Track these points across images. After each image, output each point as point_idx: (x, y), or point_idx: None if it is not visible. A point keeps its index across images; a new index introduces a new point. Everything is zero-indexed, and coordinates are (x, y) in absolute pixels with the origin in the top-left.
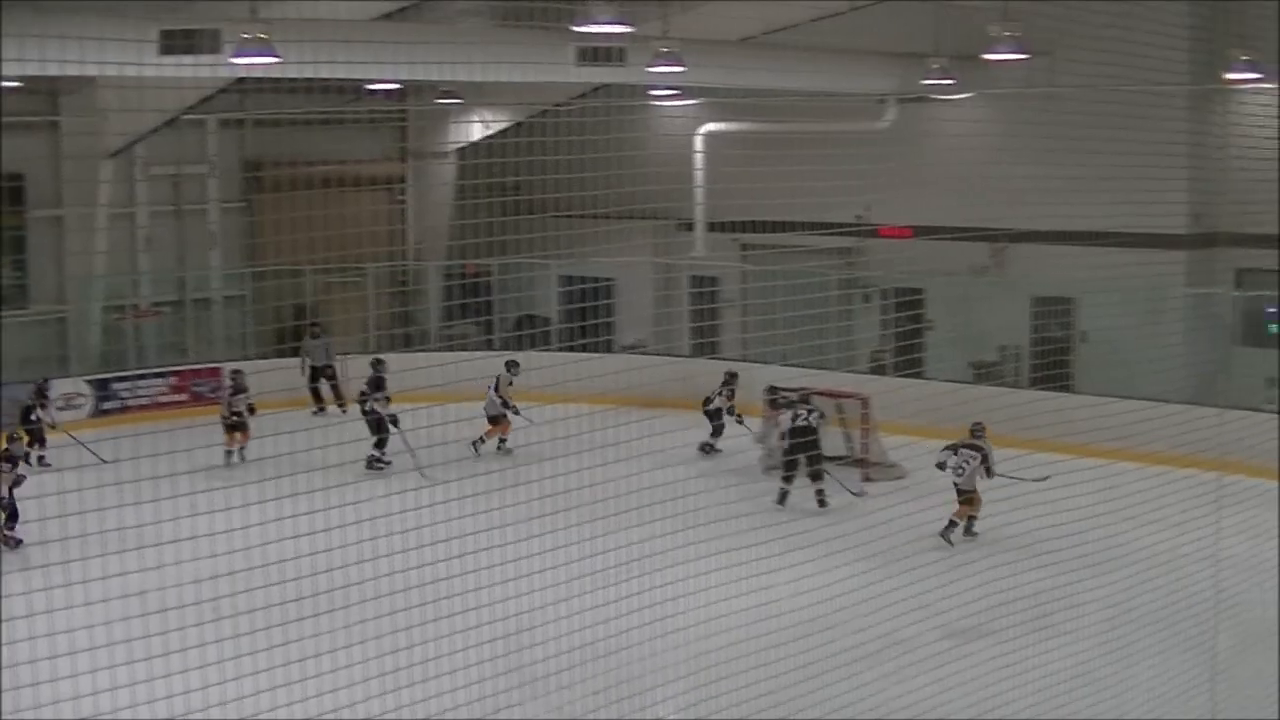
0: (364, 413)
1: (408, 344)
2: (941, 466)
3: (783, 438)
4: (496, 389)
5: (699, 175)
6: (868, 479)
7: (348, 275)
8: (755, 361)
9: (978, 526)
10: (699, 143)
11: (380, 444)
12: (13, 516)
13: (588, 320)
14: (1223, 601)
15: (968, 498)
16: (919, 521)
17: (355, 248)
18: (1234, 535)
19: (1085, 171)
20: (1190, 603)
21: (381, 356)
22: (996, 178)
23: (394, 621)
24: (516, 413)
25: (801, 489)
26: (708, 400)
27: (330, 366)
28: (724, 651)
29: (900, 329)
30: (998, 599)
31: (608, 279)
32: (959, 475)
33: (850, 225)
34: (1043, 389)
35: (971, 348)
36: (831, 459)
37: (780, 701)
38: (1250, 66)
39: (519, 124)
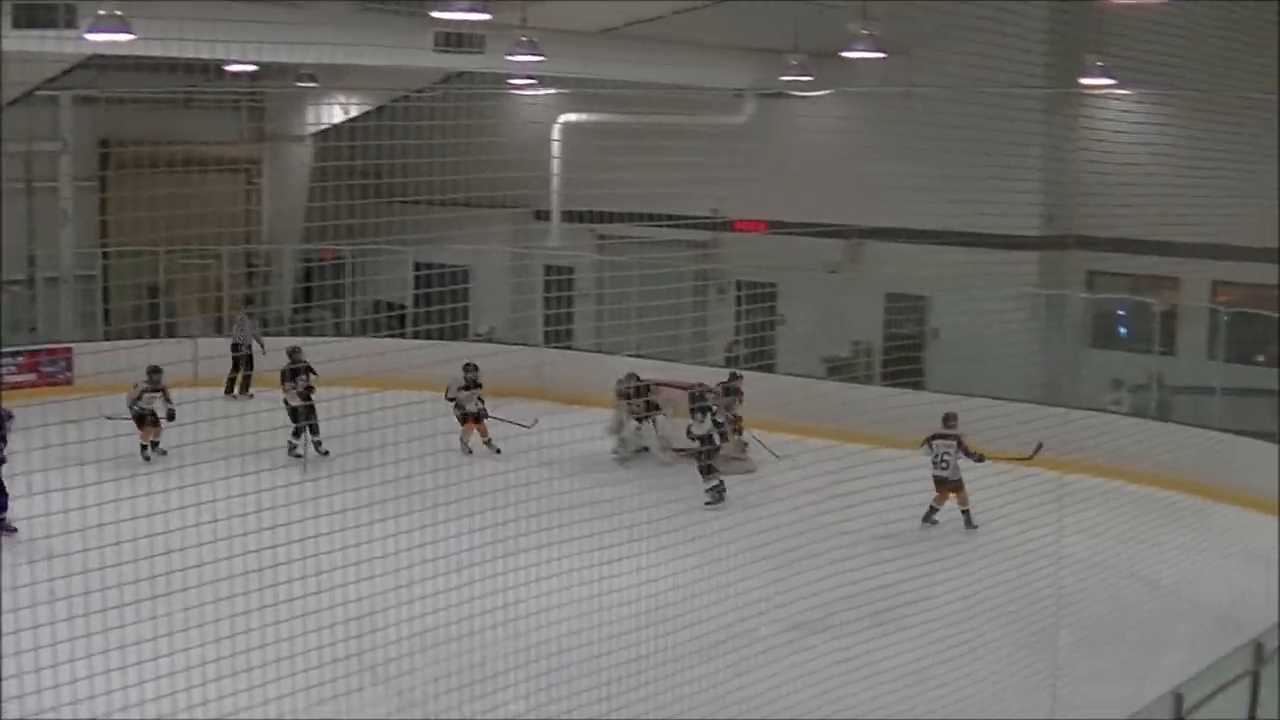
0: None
1: (263, 327)
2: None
3: (695, 438)
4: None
5: (556, 165)
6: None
7: (202, 257)
8: (608, 353)
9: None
10: (556, 132)
11: (296, 433)
12: None
13: (443, 307)
14: (1064, 599)
15: (954, 487)
16: (769, 514)
17: (209, 229)
18: (1075, 534)
19: (940, 171)
20: (1033, 599)
21: (297, 345)
22: (852, 174)
23: (232, 608)
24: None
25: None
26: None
27: (249, 349)
28: (561, 641)
29: (753, 322)
30: (844, 592)
31: (463, 266)
32: (943, 467)
33: (705, 218)
34: (894, 385)
35: (824, 343)
36: (680, 450)
37: (613, 694)
38: (1105, 72)
39: (378, 109)
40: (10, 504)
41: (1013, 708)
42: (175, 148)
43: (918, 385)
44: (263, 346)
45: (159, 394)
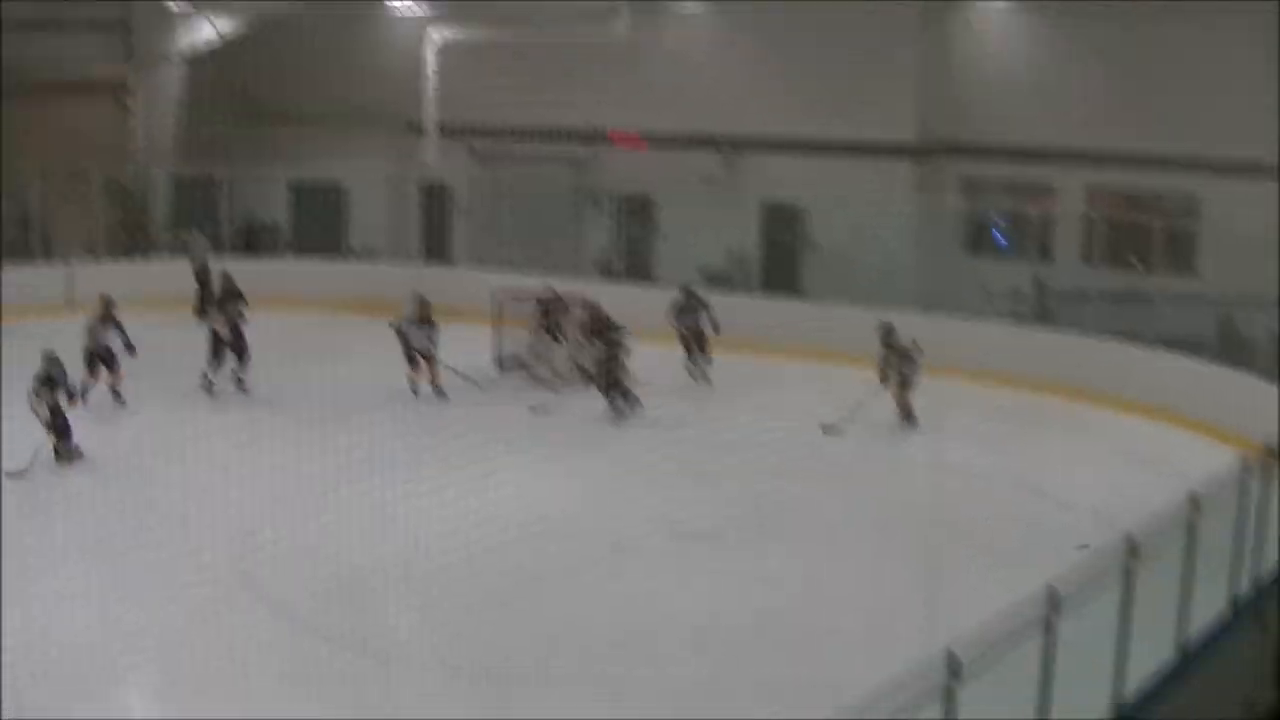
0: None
1: (133, 252)
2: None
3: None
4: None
5: (430, 81)
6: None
7: (72, 182)
8: (486, 270)
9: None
10: (430, 48)
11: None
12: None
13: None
14: (943, 505)
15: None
16: (662, 429)
17: (80, 154)
18: (953, 440)
19: (817, 81)
20: (912, 507)
21: (227, 270)
22: (728, 86)
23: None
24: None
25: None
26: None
27: (206, 269)
28: (448, 555)
29: (630, 235)
30: (732, 504)
31: (338, 184)
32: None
33: (583, 131)
34: (771, 296)
35: (701, 255)
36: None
37: (503, 602)
38: None
39: (250, 26)
40: None
41: (890, 619)
42: (43, 71)
43: (795, 295)
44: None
45: (112, 327)
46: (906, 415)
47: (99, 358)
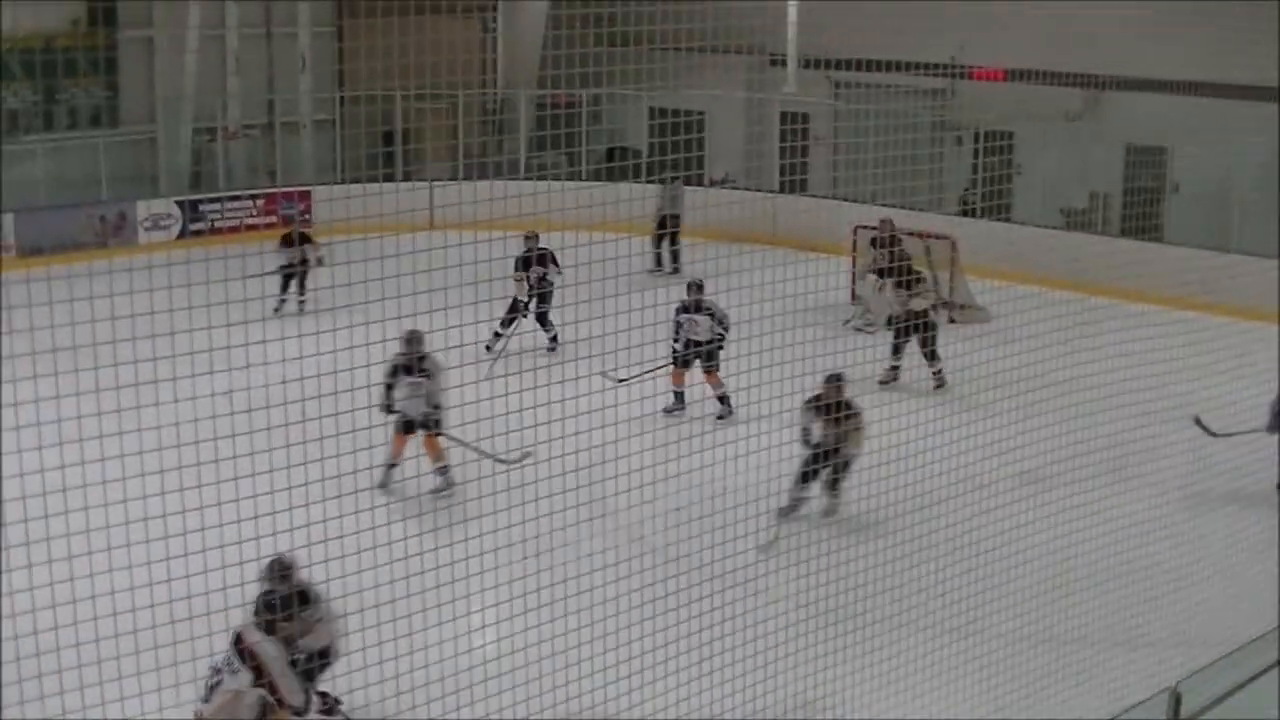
0: None
1: (497, 173)
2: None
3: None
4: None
5: (792, 10)
6: (952, 320)
7: (438, 102)
8: (845, 200)
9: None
10: None
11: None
12: None
13: (678, 153)
14: None
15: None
16: (1000, 368)
17: (444, 74)
18: None
19: (1188, 19)
20: (1263, 457)
21: None
22: (1094, 21)
23: None
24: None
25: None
26: None
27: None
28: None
29: (989, 173)
30: (1075, 448)
31: (699, 112)
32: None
33: (944, 66)
34: (1133, 239)
35: (1061, 194)
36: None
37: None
38: None
39: None
40: None
41: (1243, 565)
42: None
43: (1157, 240)
44: None
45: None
46: None
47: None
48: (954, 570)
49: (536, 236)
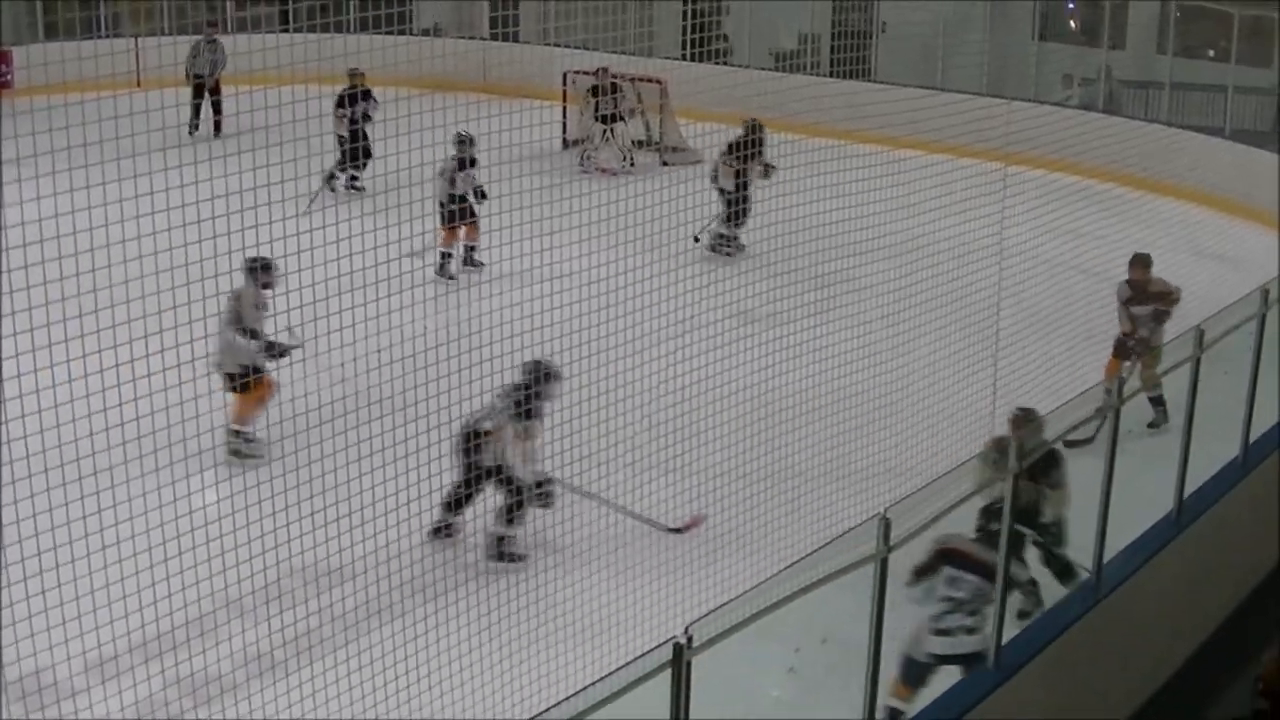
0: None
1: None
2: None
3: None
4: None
5: None
6: (665, 163)
7: None
8: (558, 45)
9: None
10: None
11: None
12: None
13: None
14: (1005, 289)
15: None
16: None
17: None
18: (1016, 225)
19: None
20: (974, 288)
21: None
22: None
23: None
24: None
25: None
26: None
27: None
28: None
29: (699, 19)
30: (782, 286)
31: None
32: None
33: None
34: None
35: (772, 36)
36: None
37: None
38: None
39: None
40: None
41: (957, 384)
42: None
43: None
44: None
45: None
46: None
47: None
48: (659, 407)
49: (362, 75)
